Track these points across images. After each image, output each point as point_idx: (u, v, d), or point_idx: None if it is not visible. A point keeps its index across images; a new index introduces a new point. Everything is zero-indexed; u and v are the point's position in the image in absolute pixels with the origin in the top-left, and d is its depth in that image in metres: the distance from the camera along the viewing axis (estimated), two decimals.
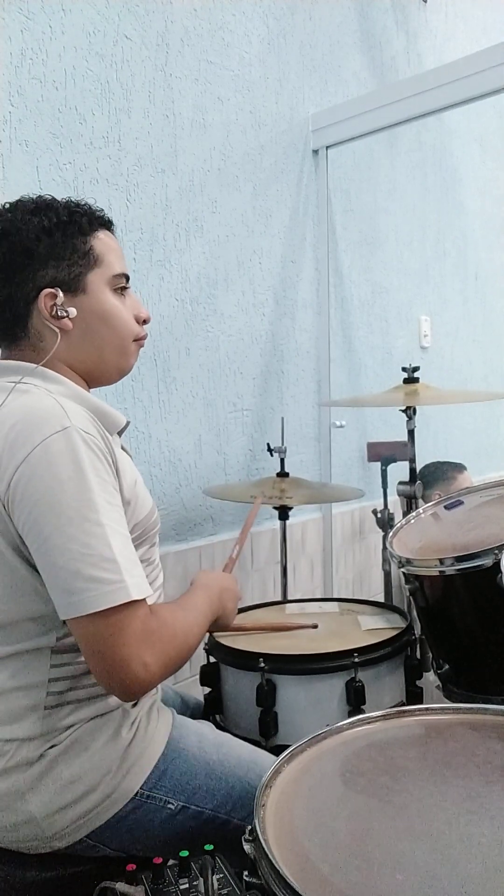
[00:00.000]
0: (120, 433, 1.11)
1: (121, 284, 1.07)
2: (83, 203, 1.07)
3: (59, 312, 1.01)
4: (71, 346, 1.04)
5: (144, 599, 0.91)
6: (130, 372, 1.13)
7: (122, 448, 1.12)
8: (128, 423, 1.10)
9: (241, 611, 1.60)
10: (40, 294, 1.00)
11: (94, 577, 0.86)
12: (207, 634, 1.40)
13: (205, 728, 1.13)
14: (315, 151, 2.35)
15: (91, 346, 1.05)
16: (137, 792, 0.99)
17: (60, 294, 1.01)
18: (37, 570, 0.91)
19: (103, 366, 1.08)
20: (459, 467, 2.59)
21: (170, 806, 1.00)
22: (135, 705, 1.05)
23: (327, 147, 2.35)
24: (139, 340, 1.11)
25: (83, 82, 1.63)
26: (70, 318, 1.02)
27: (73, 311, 1.02)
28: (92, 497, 0.88)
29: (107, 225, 1.09)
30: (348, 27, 2.51)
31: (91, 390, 1.10)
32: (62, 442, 0.89)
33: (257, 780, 0.88)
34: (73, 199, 1.07)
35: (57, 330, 1.01)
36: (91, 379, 1.08)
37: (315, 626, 1.45)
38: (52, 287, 1.01)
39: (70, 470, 0.88)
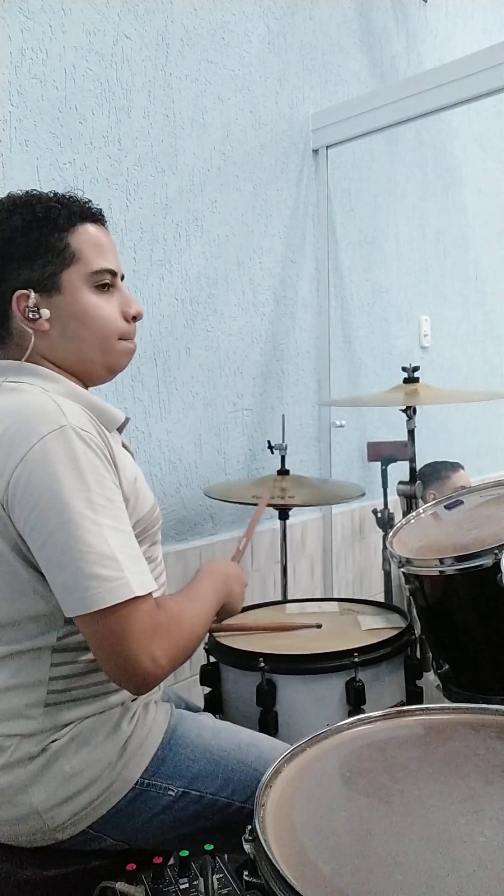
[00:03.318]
0: (120, 430, 1.11)
1: (102, 281, 1.04)
2: (69, 196, 1.05)
3: (30, 314, 1.00)
4: (52, 346, 1.03)
5: (150, 594, 0.91)
6: (124, 370, 1.11)
7: (124, 445, 1.12)
8: (127, 420, 1.10)
9: (242, 610, 1.60)
10: (13, 295, 1.00)
11: (96, 574, 0.86)
12: (208, 634, 1.41)
13: (203, 717, 1.13)
14: (315, 151, 2.35)
15: (71, 346, 1.03)
16: (138, 781, 0.99)
17: (33, 295, 1.00)
18: (37, 570, 0.91)
19: (89, 365, 1.06)
20: (455, 466, 2.58)
21: (170, 792, 1.00)
22: (134, 699, 1.05)
23: (327, 147, 2.35)
24: (126, 339, 1.08)
25: (83, 82, 1.63)
26: (46, 319, 1.00)
27: (45, 313, 1.00)
28: (90, 496, 0.88)
29: (92, 218, 1.05)
30: (348, 27, 2.51)
31: (89, 389, 1.10)
32: (59, 440, 0.89)
33: (257, 761, 0.88)
34: (59, 193, 1.05)
35: (31, 331, 1.00)
36: (80, 378, 1.07)
37: (319, 626, 1.45)
38: (25, 288, 1.00)
39: (67, 469, 0.88)
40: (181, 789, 1.01)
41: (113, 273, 1.05)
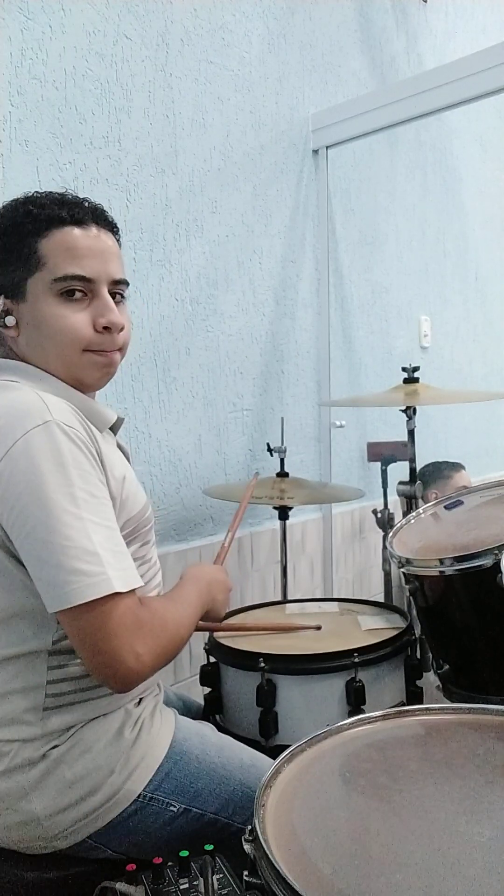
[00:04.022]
0: (115, 430, 1.11)
1: (67, 288, 0.98)
2: (58, 199, 1.01)
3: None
4: (23, 353, 1.02)
5: (133, 591, 0.90)
6: (103, 381, 1.05)
7: (119, 446, 1.12)
8: (120, 420, 1.10)
9: (242, 611, 1.60)
10: None
11: (76, 569, 0.85)
12: (208, 634, 1.41)
13: (206, 729, 1.13)
14: (315, 151, 2.35)
15: (36, 355, 1.01)
16: (140, 794, 0.99)
17: (1, 301, 1.00)
18: (23, 565, 0.91)
19: (58, 375, 1.01)
20: (457, 466, 2.59)
21: (172, 808, 1.00)
22: (138, 705, 1.05)
23: (327, 147, 2.35)
24: (95, 351, 1.01)
25: (83, 82, 1.63)
26: (12, 326, 1.00)
27: (10, 320, 1.00)
28: (72, 491, 0.88)
29: (75, 222, 0.99)
30: (348, 27, 2.51)
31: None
32: (43, 435, 0.89)
33: (257, 783, 0.88)
34: (53, 195, 1.02)
35: (4, 334, 1.01)
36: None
37: (318, 628, 1.44)
38: None
39: (51, 464, 0.88)
40: (183, 806, 1.01)
41: (85, 280, 0.99)
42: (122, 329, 1.03)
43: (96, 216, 1.03)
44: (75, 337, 0.99)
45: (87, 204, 1.03)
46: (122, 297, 1.06)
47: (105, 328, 1.00)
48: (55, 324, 0.99)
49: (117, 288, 1.04)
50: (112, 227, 1.06)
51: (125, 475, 1.03)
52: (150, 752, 1.01)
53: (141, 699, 1.06)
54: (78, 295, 0.99)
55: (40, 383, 0.99)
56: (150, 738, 1.02)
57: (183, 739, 1.06)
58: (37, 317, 0.99)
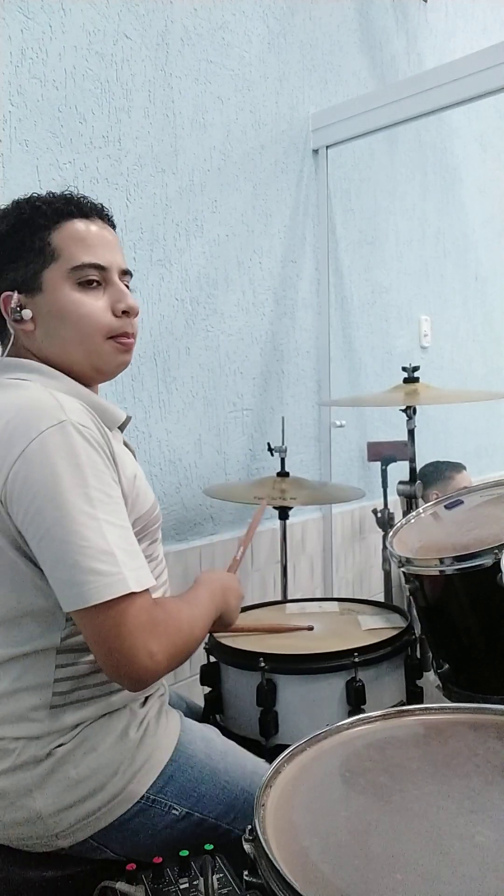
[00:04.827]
0: (122, 428, 1.11)
1: (85, 277, 1.00)
2: (61, 195, 1.04)
3: (14, 315, 1.00)
4: (39, 347, 1.03)
5: (147, 591, 0.91)
6: (119, 370, 1.07)
7: (125, 444, 1.12)
8: (129, 418, 1.10)
9: (241, 610, 1.60)
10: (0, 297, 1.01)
11: (93, 569, 0.86)
12: (208, 634, 1.41)
13: (211, 733, 1.12)
14: (315, 151, 2.35)
15: (55, 346, 1.02)
16: (143, 795, 0.99)
17: (16, 296, 1.00)
18: (36, 565, 0.91)
19: (76, 366, 1.03)
20: (458, 467, 2.59)
21: (174, 811, 1.00)
22: (143, 705, 1.05)
23: (327, 147, 2.35)
24: (116, 337, 1.03)
25: (83, 82, 1.63)
26: (29, 319, 1.01)
27: (27, 313, 1.00)
28: (87, 491, 0.88)
29: (80, 214, 1.03)
30: (348, 27, 2.51)
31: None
32: (58, 435, 0.89)
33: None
34: (55, 193, 1.05)
35: (13, 331, 1.02)
36: (76, 379, 1.04)
37: (311, 628, 1.44)
38: (10, 289, 1.01)
39: (66, 464, 0.88)
40: (185, 810, 1.01)
41: (100, 268, 1.02)
42: (137, 314, 1.06)
43: (97, 211, 1.07)
44: (98, 324, 1.01)
45: (87, 201, 1.07)
46: (129, 287, 1.08)
47: (124, 312, 1.03)
48: (76, 311, 1.00)
49: (124, 278, 1.07)
50: (112, 224, 1.10)
51: (136, 473, 1.04)
52: (154, 754, 1.01)
53: (146, 699, 1.06)
54: (94, 284, 1.02)
55: (52, 381, 0.99)
56: (156, 739, 1.02)
57: (188, 742, 1.06)
58: (56, 307, 1.00)
